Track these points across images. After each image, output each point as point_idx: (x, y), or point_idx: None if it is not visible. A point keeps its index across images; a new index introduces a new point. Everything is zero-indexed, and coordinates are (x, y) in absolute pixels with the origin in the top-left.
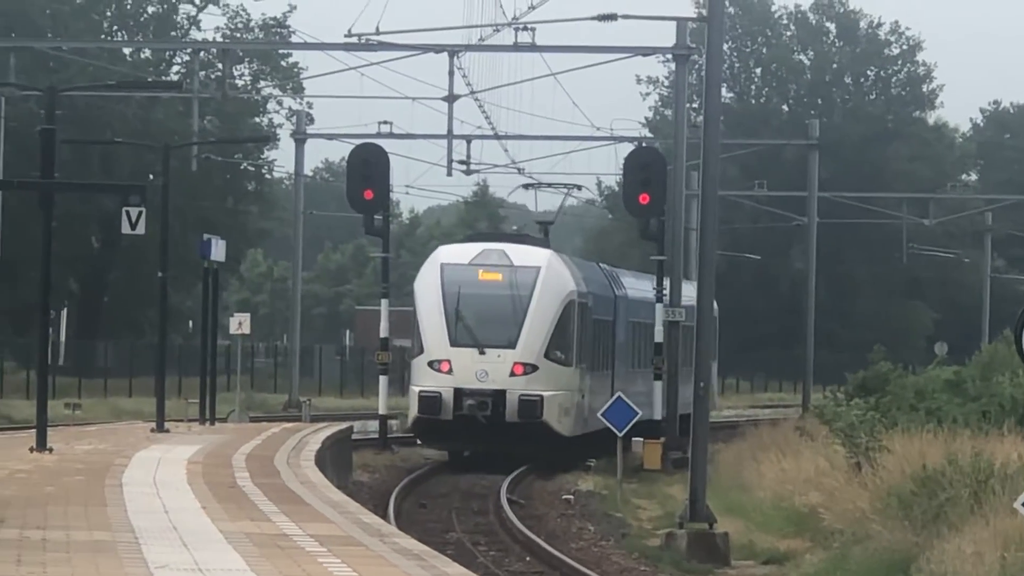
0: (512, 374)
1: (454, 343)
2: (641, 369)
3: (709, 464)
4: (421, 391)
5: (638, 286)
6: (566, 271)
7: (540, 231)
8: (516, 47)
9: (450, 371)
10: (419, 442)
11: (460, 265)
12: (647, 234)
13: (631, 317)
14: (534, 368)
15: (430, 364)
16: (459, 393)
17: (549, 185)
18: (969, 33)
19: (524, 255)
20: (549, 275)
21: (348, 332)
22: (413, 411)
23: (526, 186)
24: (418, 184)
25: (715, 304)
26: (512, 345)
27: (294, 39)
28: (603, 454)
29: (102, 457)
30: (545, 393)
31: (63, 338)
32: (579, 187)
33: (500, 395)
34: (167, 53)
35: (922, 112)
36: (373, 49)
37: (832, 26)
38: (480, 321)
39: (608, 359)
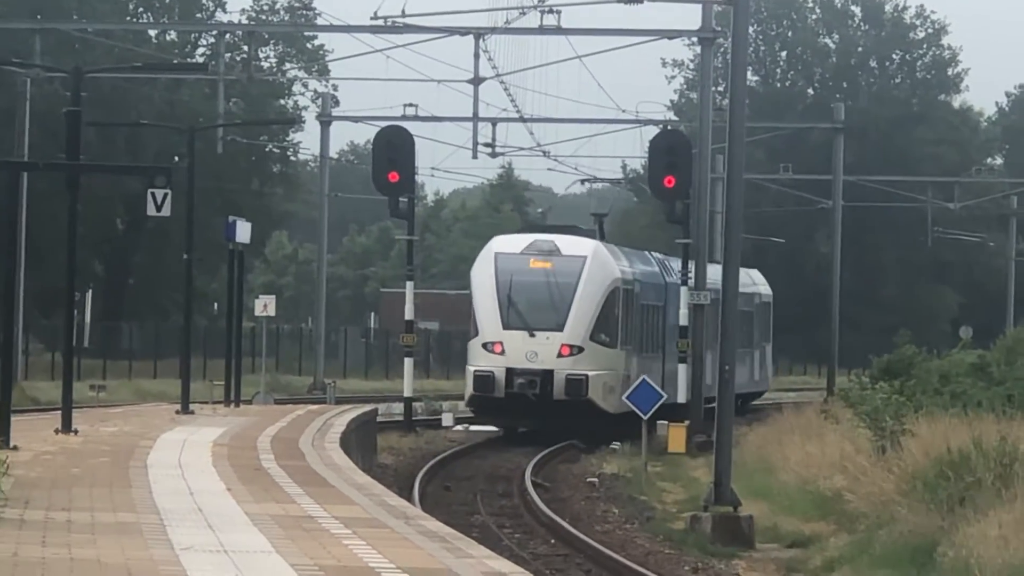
0: (560, 355)
1: (506, 326)
2: None
3: (734, 447)
4: (476, 371)
5: None
6: (611, 259)
7: (595, 222)
8: (542, 30)
9: (502, 352)
10: (457, 426)
11: (512, 254)
12: (673, 217)
13: None
14: (580, 349)
15: (484, 346)
16: (511, 372)
17: (605, 180)
18: (994, 17)
19: (572, 245)
20: (595, 263)
21: (373, 314)
22: (468, 389)
23: (582, 181)
24: (443, 166)
25: (769, 289)
26: (560, 328)
27: (320, 21)
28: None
29: (127, 439)
30: (590, 373)
31: (88, 320)
32: (631, 180)
33: (548, 375)
34: (192, 35)
35: (947, 96)
36: (399, 31)
37: (857, 9)
38: (530, 306)
39: (658, 342)
